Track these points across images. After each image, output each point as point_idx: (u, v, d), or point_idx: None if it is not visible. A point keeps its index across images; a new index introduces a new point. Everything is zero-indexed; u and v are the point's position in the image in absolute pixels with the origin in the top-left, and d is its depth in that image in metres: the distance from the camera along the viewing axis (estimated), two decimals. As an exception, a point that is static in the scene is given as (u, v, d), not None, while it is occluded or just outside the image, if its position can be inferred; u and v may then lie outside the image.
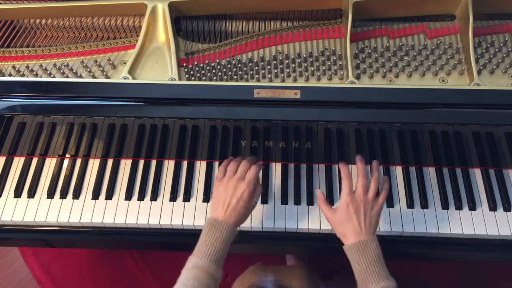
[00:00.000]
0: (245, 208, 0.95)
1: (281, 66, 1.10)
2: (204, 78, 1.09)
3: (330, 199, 1.12)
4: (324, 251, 1.29)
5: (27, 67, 1.11)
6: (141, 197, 1.14)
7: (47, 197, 1.15)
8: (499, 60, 1.09)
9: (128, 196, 1.14)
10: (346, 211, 0.92)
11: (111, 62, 1.12)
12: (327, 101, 1.00)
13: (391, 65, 1.09)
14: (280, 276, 1.19)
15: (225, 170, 1.01)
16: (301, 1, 1.13)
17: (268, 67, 1.11)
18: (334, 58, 1.11)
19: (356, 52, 1.12)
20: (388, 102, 1.00)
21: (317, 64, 1.11)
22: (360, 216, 0.91)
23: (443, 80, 1.08)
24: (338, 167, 1.06)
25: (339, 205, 0.94)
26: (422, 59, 1.10)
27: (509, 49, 1.11)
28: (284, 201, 1.12)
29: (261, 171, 1.07)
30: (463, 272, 1.76)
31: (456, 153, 1.14)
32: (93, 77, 1.10)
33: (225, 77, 1.09)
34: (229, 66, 1.10)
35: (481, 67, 1.08)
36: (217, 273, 0.89)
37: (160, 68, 1.10)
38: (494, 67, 1.08)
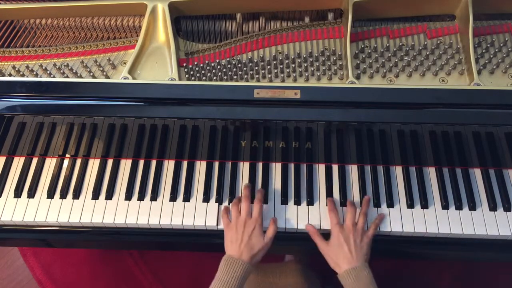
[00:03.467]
0: (258, 243, 0.99)
1: (281, 66, 1.10)
2: (204, 78, 1.09)
3: (330, 199, 1.12)
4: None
5: (27, 67, 1.11)
6: (141, 197, 1.14)
7: (47, 197, 1.15)
8: (499, 60, 1.09)
9: (128, 196, 1.14)
10: (338, 240, 0.99)
11: (111, 62, 1.12)
12: (327, 101, 1.01)
13: (391, 65, 1.09)
14: (276, 273, 1.20)
15: (227, 217, 1.06)
16: (301, 1, 1.13)
17: (268, 67, 1.11)
18: (334, 58, 1.11)
19: (356, 52, 1.12)
20: (388, 102, 1.00)
21: (317, 64, 1.11)
22: (350, 244, 0.97)
23: (443, 80, 1.08)
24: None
25: (331, 236, 1.01)
26: (422, 59, 1.10)
27: (509, 49, 1.11)
28: (284, 201, 1.12)
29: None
30: (463, 272, 1.76)
31: (456, 153, 1.13)
32: (93, 77, 1.10)
33: (225, 77, 1.09)
34: (229, 66, 1.10)
35: (481, 67, 1.08)
36: None
37: (160, 68, 1.10)
38: (494, 67, 1.08)
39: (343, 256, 0.97)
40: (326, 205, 1.11)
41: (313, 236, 1.04)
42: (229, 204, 1.12)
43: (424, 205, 1.11)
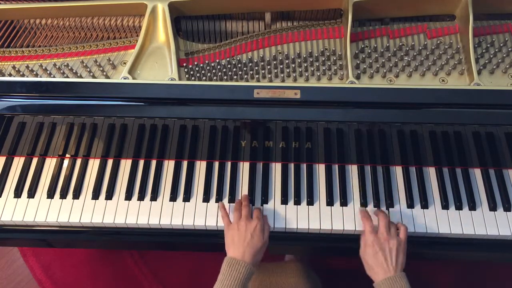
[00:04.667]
0: (260, 242, 0.99)
1: (281, 66, 1.10)
2: (204, 78, 1.09)
3: (330, 200, 1.12)
4: (324, 251, 1.29)
5: (27, 67, 1.11)
6: (141, 197, 1.14)
7: (47, 197, 1.15)
8: (499, 60, 1.09)
9: (128, 196, 1.14)
10: (372, 249, 0.96)
11: (111, 62, 1.12)
12: (327, 101, 1.01)
13: (391, 65, 1.09)
14: (277, 273, 1.20)
15: (228, 217, 1.06)
16: (301, 1, 1.13)
17: (268, 67, 1.11)
18: (334, 58, 1.11)
19: (356, 52, 1.12)
20: (388, 102, 1.00)
21: (317, 64, 1.11)
22: (385, 253, 0.95)
23: (443, 80, 1.08)
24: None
25: (365, 244, 0.99)
26: (422, 59, 1.10)
27: (509, 49, 1.11)
28: (284, 201, 1.12)
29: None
30: (463, 272, 1.76)
31: (456, 153, 1.13)
32: (93, 77, 1.10)
33: (225, 77, 1.09)
34: (229, 66, 1.10)
35: (481, 67, 1.08)
36: None
37: (160, 68, 1.10)
38: (494, 67, 1.08)
39: (379, 265, 0.95)
40: (327, 205, 1.11)
41: (361, 237, 1.02)
42: (229, 203, 1.12)
43: (424, 205, 1.11)
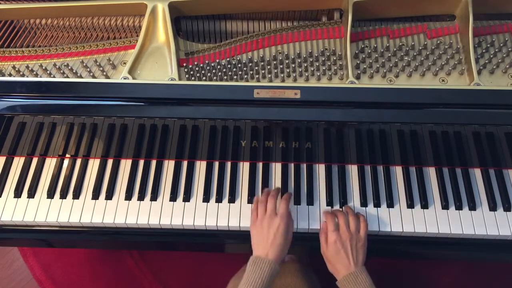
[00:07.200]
0: (284, 240, 0.99)
1: (281, 66, 1.10)
2: (204, 78, 1.09)
3: (330, 200, 1.12)
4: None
5: (27, 67, 1.11)
6: (141, 197, 1.14)
7: (47, 197, 1.15)
8: (499, 60, 1.09)
9: (128, 196, 1.14)
10: (334, 247, 0.98)
11: (111, 62, 1.12)
12: (327, 101, 1.01)
13: (391, 65, 1.09)
14: None
15: (257, 212, 1.04)
16: (301, 1, 1.13)
17: (268, 67, 1.11)
18: (334, 58, 1.11)
19: (356, 52, 1.12)
20: (388, 102, 1.00)
21: (317, 64, 1.11)
22: (347, 250, 0.97)
23: (443, 80, 1.08)
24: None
25: (328, 242, 1.00)
26: (422, 59, 1.10)
27: (509, 49, 1.11)
28: (284, 201, 1.12)
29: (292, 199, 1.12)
30: (463, 272, 1.76)
31: (456, 153, 1.14)
32: (93, 77, 1.10)
33: (225, 77, 1.09)
34: (229, 66, 1.10)
35: (481, 67, 1.08)
36: None
37: (160, 68, 1.10)
38: (494, 67, 1.08)
39: (341, 262, 0.96)
40: (327, 205, 1.12)
41: (321, 234, 1.03)
42: (229, 203, 1.12)
43: (424, 205, 1.11)
